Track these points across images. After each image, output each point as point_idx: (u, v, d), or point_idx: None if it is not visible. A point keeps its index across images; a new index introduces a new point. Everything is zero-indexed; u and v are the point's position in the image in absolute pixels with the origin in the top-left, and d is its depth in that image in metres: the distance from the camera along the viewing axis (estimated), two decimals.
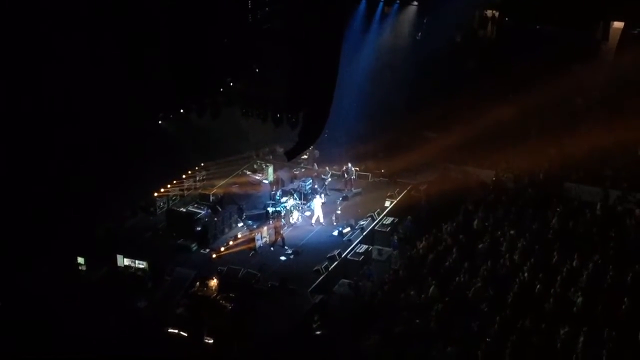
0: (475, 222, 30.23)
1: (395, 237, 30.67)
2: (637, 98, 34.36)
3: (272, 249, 30.17)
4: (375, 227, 31.64)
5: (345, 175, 35.77)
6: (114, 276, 28.52)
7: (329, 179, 35.68)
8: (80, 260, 28.81)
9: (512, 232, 28.65)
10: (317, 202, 32.62)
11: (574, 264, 25.99)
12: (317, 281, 27.48)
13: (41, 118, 27.46)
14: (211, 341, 24.50)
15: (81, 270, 28.85)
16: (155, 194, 33.25)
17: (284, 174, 36.35)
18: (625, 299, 23.28)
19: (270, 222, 31.47)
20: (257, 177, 35.79)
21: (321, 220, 32.36)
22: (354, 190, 35.52)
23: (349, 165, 35.95)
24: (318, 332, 24.70)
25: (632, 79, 36.23)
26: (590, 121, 35.73)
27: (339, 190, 35.57)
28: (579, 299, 23.71)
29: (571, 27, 38.40)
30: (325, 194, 34.61)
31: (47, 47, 26.32)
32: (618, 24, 40.59)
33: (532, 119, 36.52)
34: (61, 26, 26.56)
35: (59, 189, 28.44)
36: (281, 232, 30.73)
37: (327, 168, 36.41)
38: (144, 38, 29.90)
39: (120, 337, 23.89)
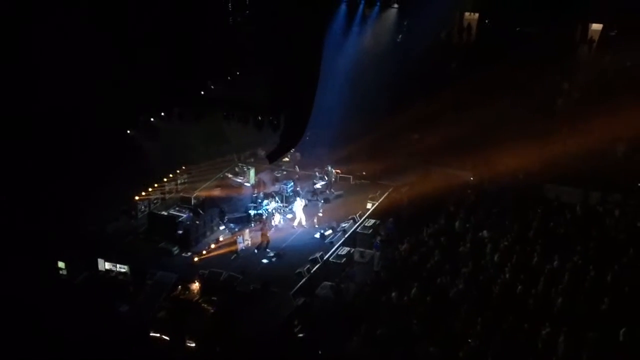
0: (457, 223, 30.33)
1: (377, 239, 30.70)
2: (616, 99, 34.58)
3: (256, 251, 30.09)
4: (357, 230, 31.67)
5: (326, 177, 35.78)
6: (95, 280, 28.38)
7: (320, 184, 35.65)
8: (61, 264, 28.61)
9: (491, 233, 28.77)
10: (299, 204, 32.61)
11: (555, 264, 26.13)
12: (299, 284, 27.42)
13: (21, 121, 27.38)
14: (193, 345, 24.42)
15: (62, 274, 28.65)
16: (137, 198, 33.14)
17: (265, 177, 36.34)
18: (606, 298, 23.43)
19: (252, 224, 31.47)
20: (239, 180, 35.71)
21: (303, 222, 32.36)
22: (335, 193, 35.53)
23: (329, 167, 36.00)
24: (300, 335, 24.66)
25: (611, 80, 36.52)
26: (570, 122, 35.95)
27: (320, 192, 35.55)
28: (560, 299, 23.83)
29: (550, 29, 38.68)
30: (315, 199, 34.61)
31: (28, 52, 26.28)
32: (597, 26, 40.93)
33: (512, 120, 36.66)
34: (40, 28, 26.52)
35: (39, 193, 28.34)
36: (267, 234, 30.68)
37: (316, 172, 36.26)
38: (126, 42, 29.88)
39: (102, 342, 23.76)
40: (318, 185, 35.57)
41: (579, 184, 32.89)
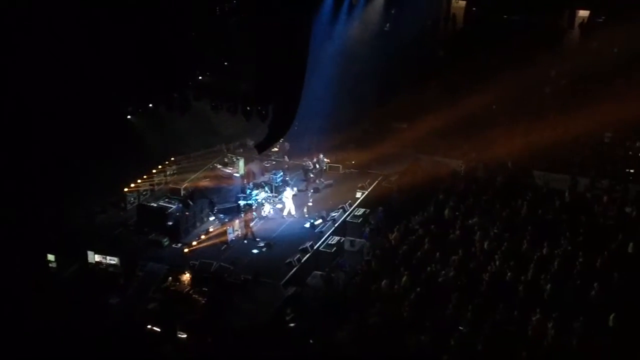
0: (446, 211, 30.40)
1: (367, 228, 30.75)
2: (603, 85, 34.76)
3: (245, 242, 30.08)
4: (347, 219, 31.70)
5: (317, 166, 35.75)
6: (85, 273, 28.34)
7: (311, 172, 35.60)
8: (51, 257, 28.56)
9: (481, 220, 28.88)
10: (288, 194, 32.59)
11: (544, 251, 26.25)
12: (290, 273, 27.42)
13: (7, 115, 27.21)
14: (184, 336, 24.43)
15: (52, 267, 28.60)
16: (126, 189, 33.01)
17: (254, 167, 36.28)
18: (595, 284, 23.57)
19: (242, 215, 31.45)
20: (228, 171, 35.60)
21: (293, 212, 32.35)
22: (325, 182, 35.52)
23: (321, 156, 35.96)
24: (291, 325, 24.74)
25: (597, 66, 36.62)
26: (558, 109, 36.09)
27: (312, 181, 35.53)
28: (549, 286, 23.95)
29: (537, 16, 38.77)
30: (306, 188, 34.61)
31: (12, 44, 26.10)
32: (583, 13, 41.06)
33: (500, 108, 36.76)
34: (26, 21, 26.33)
35: (27, 186, 28.21)
36: (250, 225, 30.66)
37: (307, 162, 36.12)
38: (112, 32, 29.70)
39: (92, 334, 23.76)
40: (311, 175, 35.43)
41: (567, 170, 33.03)
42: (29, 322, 24.13)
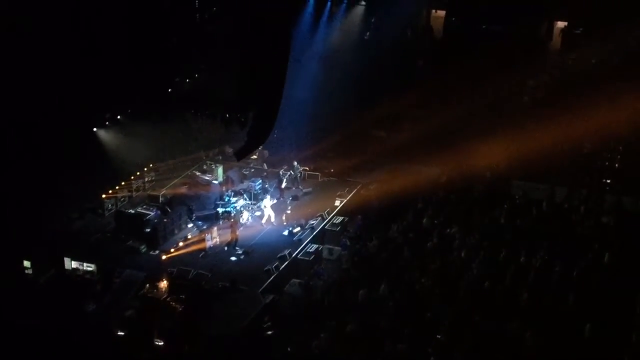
0: (425, 220, 30.47)
1: (344, 238, 30.74)
2: (581, 96, 34.98)
3: (225, 248, 29.97)
4: (326, 227, 31.70)
5: (292, 173, 35.69)
6: (61, 279, 28.12)
7: (285, 182, 35.49)
8: (27, 263, 28.30)
9: (459, 229, 28.96)
10: (267, 202, 32.54)
11: (521, 260, 26.36)
12: (268, 281, 27.35)
13: None
14: (162, 343, 24.28)
15: (27, 273, 28.35)
16: (103, 196, 32.82)
17: (233, 175, 36.19)
18: (571, 294, 23.69)
19: (221, 222, 31.36)
20: (207, 178, 35.53)
21: (272, 219, 32.29)
22: (304, 190, 35.50)
23: (295, 163, 35.91)
24: (269, 332, 24.65)
25: (575, 76, 36.92)
26: (536, 119, 36.30)
27: (287, 189, 35.48)
28: (526, 295, 24.05)
29: (516, 26, 39.04)
30: (278, 196, 34.54)
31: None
32: (561, 24, 41.36)
33: (479, 117, 36.93)
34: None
35: (3, 191, 28.02)
36: (237, 232, 30.59)
37: (282, 171, 36.02)
38: (91, 39, 29.65)
39: (68, 342, 23.57)
40: (284, 184, 35.37)
41: (545, 180, 33.21)
42: (3, 328, 23.89)
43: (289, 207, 33.35)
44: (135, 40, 31.27)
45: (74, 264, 28.39)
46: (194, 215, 32.53)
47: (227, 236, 30.43)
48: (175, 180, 35.75)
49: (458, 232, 28.83)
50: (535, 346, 21.67)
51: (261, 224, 32.27)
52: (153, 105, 33.79)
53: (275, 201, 33.46)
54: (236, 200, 32.47)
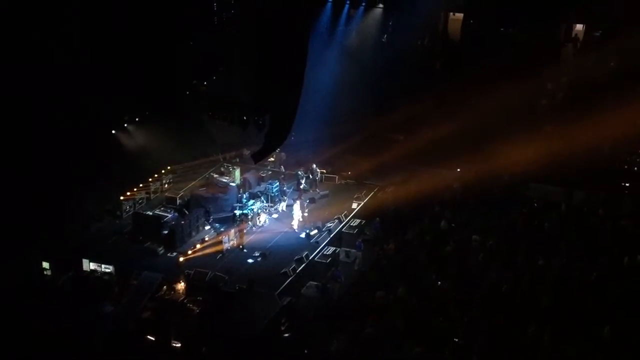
0: (442, 223, 30.38)
1: (360, 239, 30.71)
2: (599, 98, 34.78)
3: (245, 250, 30.00)
4: (343, 229, 31.68)
5: (310, 176, 35.74)
6: (79, 281, 28.23)
7: (304, 184, 35.50)
8: (45, 264, 28.44)
9: (477, 232, 28.84)
10: (297, 206, 32.48)
11: (540, 263, 26.23)
12: (285, 283, 27.38)
13: (5, 120, 27.25)
14: (179, 345, 24.32)
15: (46, 274, 28.49)
16: (122, 198, 32.99)
17: (251, 177, 36.26)
18: (590, 297, 23.53)
19: (238, 224, 31.42)
20: (224, 180, 35.60)
21: (300, 220, 32.26)
22: (321, 193, 35.50)
23: (314, 166, 35.97)
24: (286, 335, 24.65)
25: (594, 79, 36.69)
26: (555, 122, 36.12)
27: (305, 191, 35.49)
28: (545, 298, 23.91)
29: (534, 29, 38.85)
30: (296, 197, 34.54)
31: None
32: (580, 26, 41.14)
33: (497, 120, 36.77)
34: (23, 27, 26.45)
35: (23, 193, 28.18)
36: (244, 235, 30.62)
37: (300, 172, 36.02)
38: (111, 42, 29.79)
39: (86, 343, 23.65)
40: (303, 185, 35.42)
41: (563, 183, 33.05)
42: (23, 329, 24.00)
43: (307, 210, 33.34)
44: (154, 42, 31.39)
45: (92, 266, 28.51)
46: (211, 217, 32.62)
47: (242, 239, 30.51)
48: (193, 183, 35.87)
49: (475, 235, 28.71)
50: (554, 350, 21.55)
51: (291, 226, 32.23)
52: (171, 108, 33.88)
53: (293, 203, 33.44)
54: (253, 203, 32.52)
